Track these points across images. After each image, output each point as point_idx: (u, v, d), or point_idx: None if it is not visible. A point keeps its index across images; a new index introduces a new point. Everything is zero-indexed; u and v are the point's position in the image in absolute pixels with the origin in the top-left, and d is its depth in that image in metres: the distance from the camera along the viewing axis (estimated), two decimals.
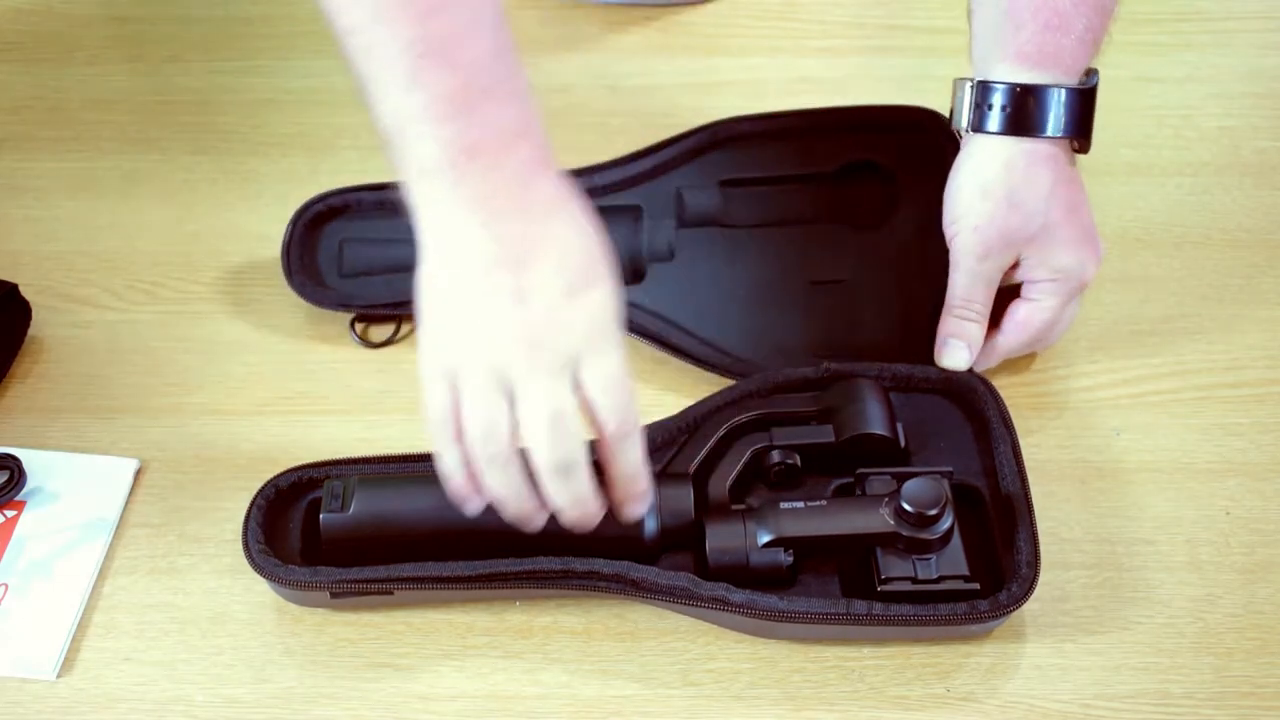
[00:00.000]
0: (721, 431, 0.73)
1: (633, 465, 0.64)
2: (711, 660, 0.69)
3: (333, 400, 0.80)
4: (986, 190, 0.74)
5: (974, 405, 0.75)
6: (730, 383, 0.77)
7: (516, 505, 0.63)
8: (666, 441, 0.74)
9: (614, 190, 0.86)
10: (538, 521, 0.64)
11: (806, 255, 0.83)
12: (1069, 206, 0.73)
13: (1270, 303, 0.84)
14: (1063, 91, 0.72)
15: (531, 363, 0.60)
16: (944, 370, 0.76)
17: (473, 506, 0.64)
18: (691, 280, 0.82)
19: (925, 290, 0.79)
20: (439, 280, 0.62)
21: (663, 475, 0.71)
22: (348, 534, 0.68)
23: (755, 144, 0.87)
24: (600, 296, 0.62)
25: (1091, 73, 0.74)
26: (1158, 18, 1.02)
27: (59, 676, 0.69)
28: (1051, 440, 0.77)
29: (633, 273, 0.83)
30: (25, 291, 0.82)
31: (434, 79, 0.58)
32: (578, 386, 0.61)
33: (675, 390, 0.80)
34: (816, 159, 0.86)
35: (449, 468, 0.63)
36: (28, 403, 0.80)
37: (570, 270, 0.61)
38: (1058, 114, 0.72)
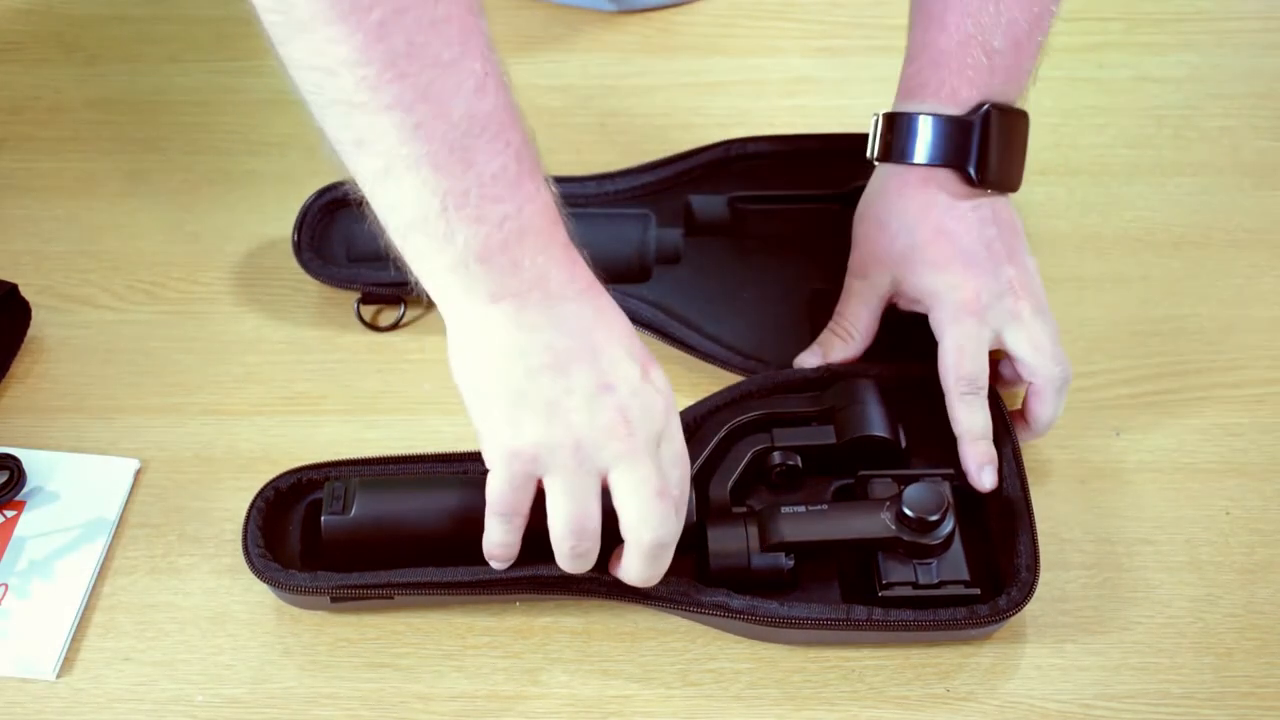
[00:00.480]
0: (723, 433, 0.73)
1: (675, 538, 0.64)
2: (711, 660, 0.69)
3: (333, 400, 0.80)
4: (863, 213, 0.77)
5: None
6: (731, 380, 0.77)
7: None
8: None
9: (624, 200, 0.86)
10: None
11: (811, 265, 0.83)
12: (938, 229, 0.73)
13: (1270, 303, 0.84)
14: (930, 119, 0.73)
15: (630, 447, 0.60)
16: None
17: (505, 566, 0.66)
18: (696, 281, 0.83)
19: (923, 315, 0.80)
20: (500, 375, 0.60)
21: None
22: (349, 536, 0.68)
23: (768, 164, 0.88)
24: (662, 373, 0.63)
25: (984, 106, 0.73)
26: (1158, 18, 1.02)
27: (59, 676, 0.69)
28: (1051, 440, 0.77)
29: (640, 270, 0.83)
30: (25, 291, 0.82)
31: (487, 159, 0.57)
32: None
33: (676, 390, 0.79)
34: (828, 181, 0.86)
35: (500, 546, 0.64)
36: (28, 403, 0.80)
37: (636, 350, 0.62)
38: (926, 141, 0.73)
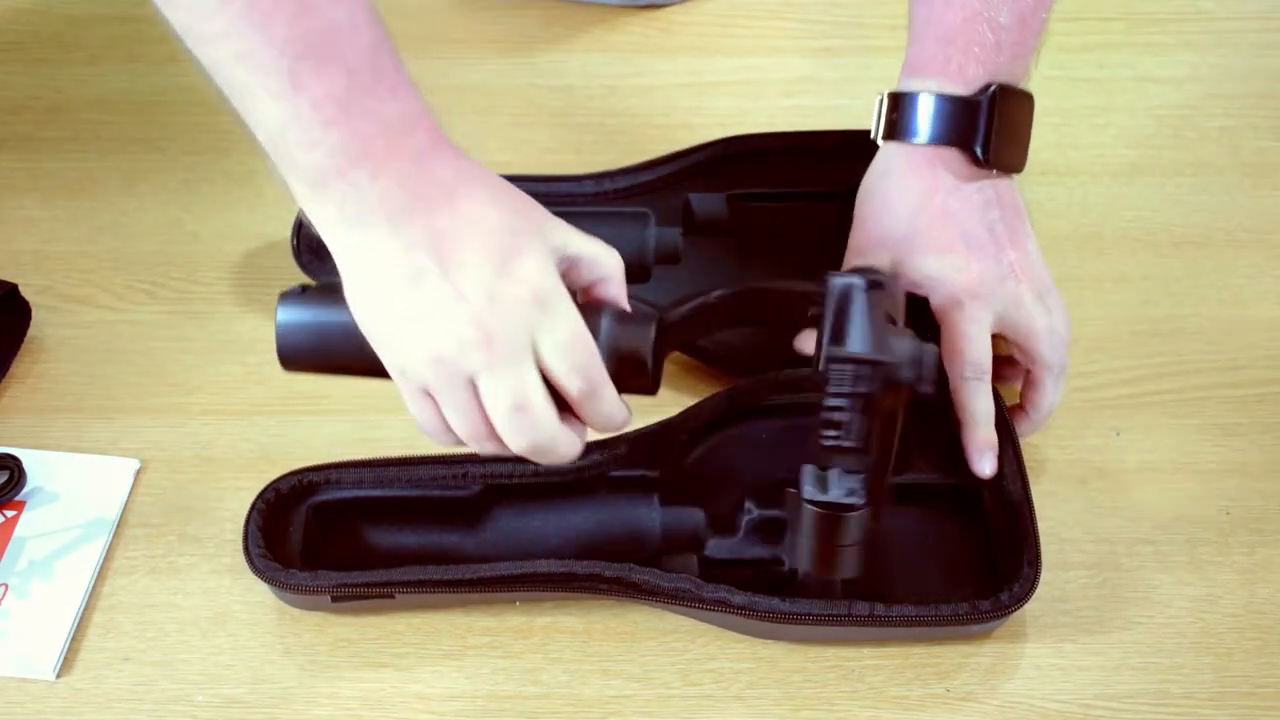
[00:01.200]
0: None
1: (607, 416, 0.62)
2: (711, 660, 0.69)
3: (333, 400, 0.80)
4: (867, 193, 0.75)
5: None
6: (730, 381, 0.77)
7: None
8: (665, 445, 0.74)
9: (623, 198, 0.86)
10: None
11: (811, 266, 0.83)
12: (943, 212, 0.72)
13: (1270, 303, 0.84)
14: (932, 98, 0.72)
15: (489, 358, 0.58)
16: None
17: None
18: (696, 282, 0.82)
19: (924, 298, 0.80)
20: (373, 299, 0.59)
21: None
22: (304, 335, 0.64)
23: (767, 161, 0.87)
24: (534, 260, 0.59)
25: (990, 86, 0.72)
26: (1158, 18, 1.02)
27: (59, 676, 0.69)
28: (1051, 440, 0.77)
29: (640, 270, 0.83)
30: (25, 291, 0.82)
31: (314, 81, 0.55)
32: (538, 359, 0.59)
33: (676, 389, 0.80)
34: (827, 179, 0.86)
35: (441, 439, 0.63)
36: (28, 403, 0.80)
37: (494, 247, 0.58)
38: (931, 120, 0.72)
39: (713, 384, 0.78)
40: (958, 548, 0.72)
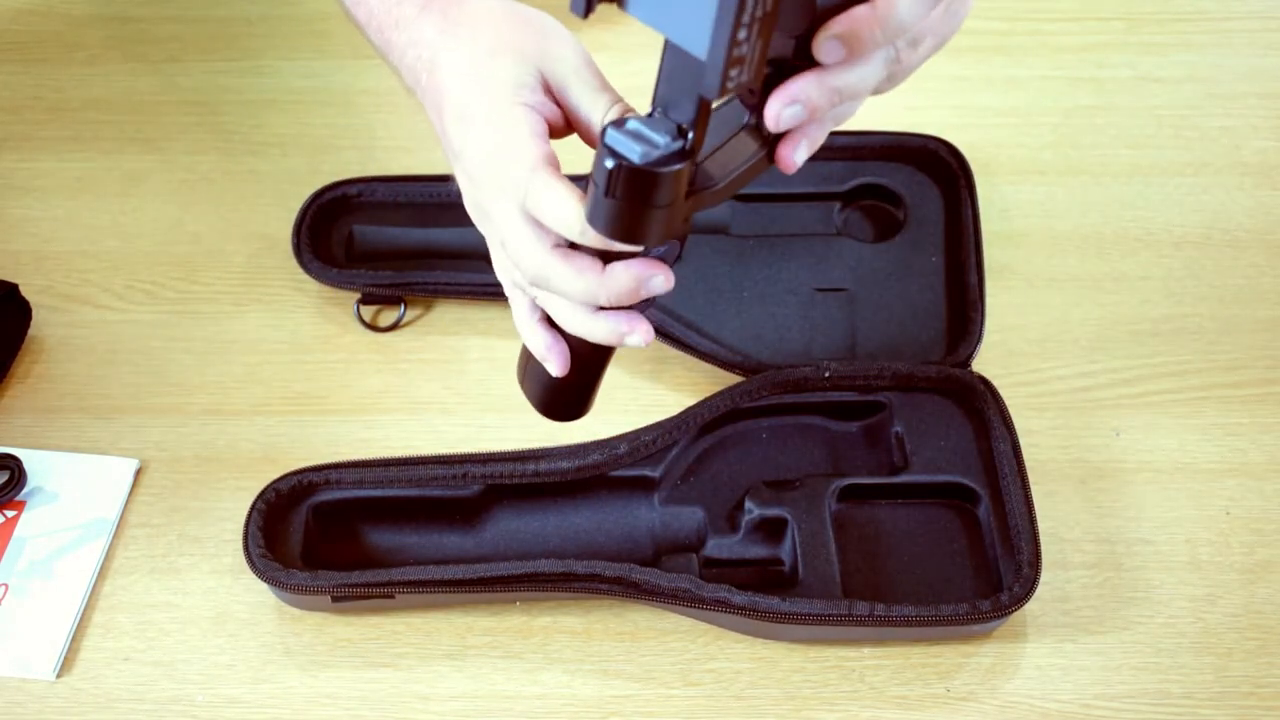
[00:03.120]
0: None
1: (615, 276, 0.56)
2: (711, 660, 0.69)
3: (333, 400, 0.80)
4: None
5: (974, 405, 0.75)
6: (731, 380, 0.77)
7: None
8: (665, 445, 0.74)
9: None
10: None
11: (811, 264, 0.83)
12: None
13: (1270, 303, 0.84)
14: None
15: (476, 198, 0.60)
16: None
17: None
18: (697, 281, 0.83)
19: (924, 299, 0.81)
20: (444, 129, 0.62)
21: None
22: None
23: None
24: (479, 126, 0.58)
25: None
26: (1158, 18, 1.02)
27: (59, 676, 0.69)
28: (1051, 440, 0.77)
29: None
30: (25, 291, 0.82)
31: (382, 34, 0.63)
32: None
33: (677, 390, 0.80)
34: (828, 180, 0.86)
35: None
36: (28, 403, 0.80)
37: (463, 113, 0.59)
38: None
39: (713, 384, 0.78)
40: (958, 547, 0.72)
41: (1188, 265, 0.86)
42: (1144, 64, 0.98)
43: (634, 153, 0.48)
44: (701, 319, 0.81)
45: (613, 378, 0.81)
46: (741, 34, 0.44)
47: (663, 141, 0.49)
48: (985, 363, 0.79)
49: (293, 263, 0.84)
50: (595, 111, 0.58)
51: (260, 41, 1.01)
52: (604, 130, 0.49)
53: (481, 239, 0.62)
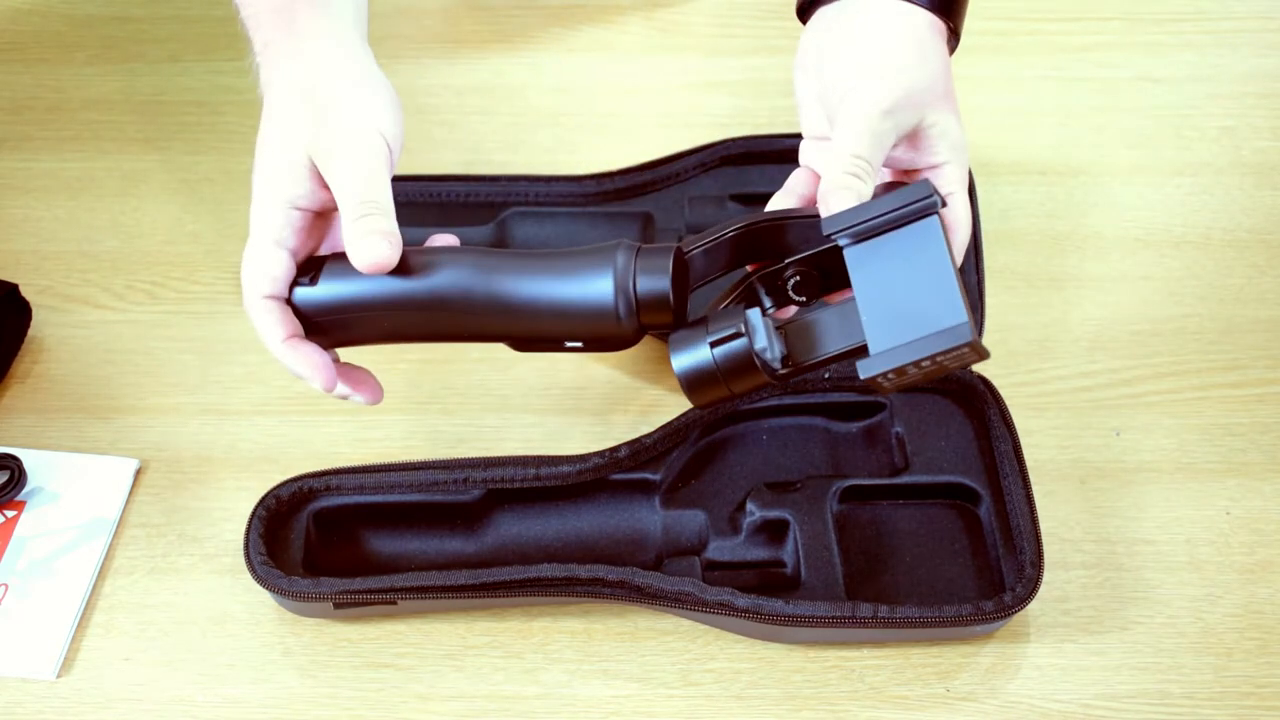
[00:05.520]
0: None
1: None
2: (711, 660, 0.69)
3: (332, 400, 0.80)
4: (896, 45, 0.67)
5: (974, 405, 0.75)
6: None
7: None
8: (666, 448, 0.74)
9: (623, 197, 0.87)
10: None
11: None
12: (947, 73, 0.68)
13: (1270, 303, 0.84)
14: None
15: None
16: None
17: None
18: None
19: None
20: None
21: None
22: (317, 308, 0.64)
23: (768, 163, 0.87)
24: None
25: None
26: (1158, 18, 1.02)
27: (59, 676, 0.69)
28: (1051, 440, 0.77)
29: None
30: (25, 291, 0.82)
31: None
32: None
33: (677, 390, 0.80)
34: None
35: None
36: (28, 403, 0.80)
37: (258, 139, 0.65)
38: None
39: None
40: (960, 548, 0.72)
41: (1188, 265, 0.86)
42: (1144, 64, 0.98)
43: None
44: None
45: (613, 378, 0.81)
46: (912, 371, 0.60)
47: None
48: (985, 363, 0.79)
49: None
50: (344, 214, 0.62)
51: None
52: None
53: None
